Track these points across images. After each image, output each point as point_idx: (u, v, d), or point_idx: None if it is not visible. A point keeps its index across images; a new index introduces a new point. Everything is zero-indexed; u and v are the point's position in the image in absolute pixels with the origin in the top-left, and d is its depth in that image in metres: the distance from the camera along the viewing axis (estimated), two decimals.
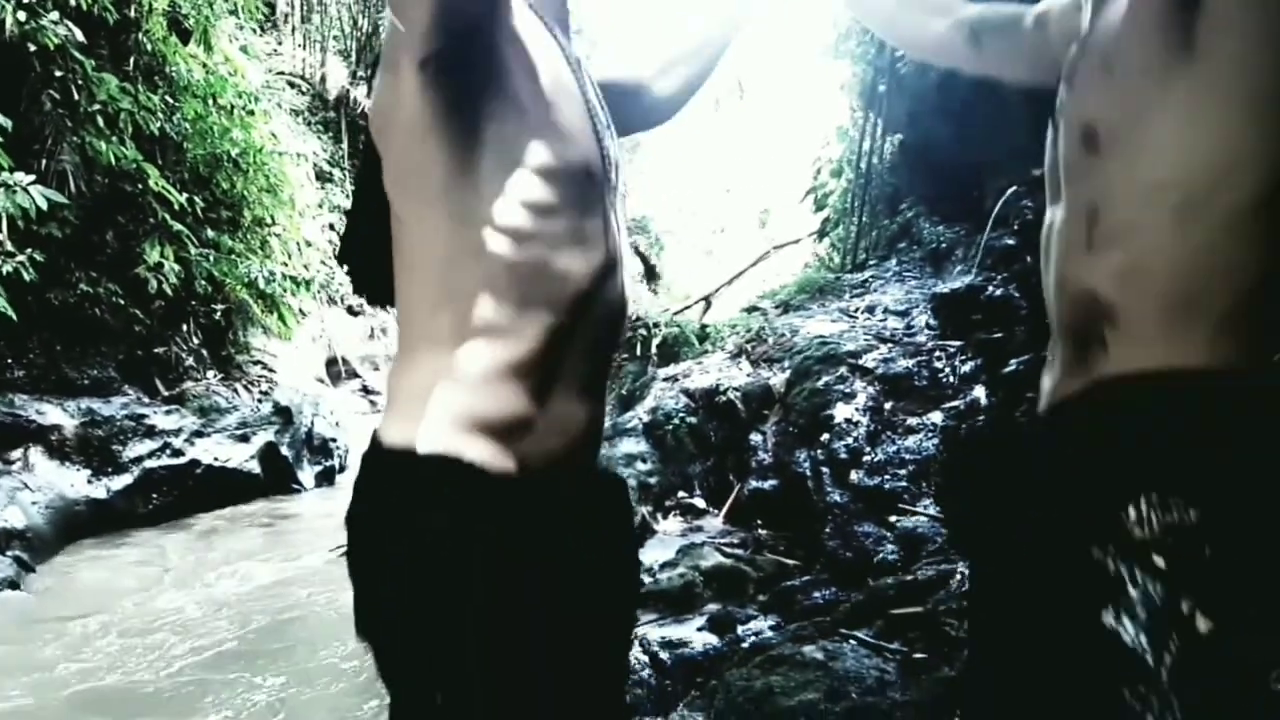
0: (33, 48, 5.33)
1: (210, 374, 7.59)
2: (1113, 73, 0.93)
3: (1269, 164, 0.84)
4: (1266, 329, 0.88)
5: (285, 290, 7.95)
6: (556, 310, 0.91)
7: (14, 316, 5.10)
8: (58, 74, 5.63)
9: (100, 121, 5.94)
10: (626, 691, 1.14)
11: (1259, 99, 0.83)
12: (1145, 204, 0.89)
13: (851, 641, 2.59)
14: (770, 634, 3.12)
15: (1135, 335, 0.89)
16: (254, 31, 9.00)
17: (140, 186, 6.48)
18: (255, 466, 7.07)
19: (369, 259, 0.99)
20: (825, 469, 4.35)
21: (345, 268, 1.06)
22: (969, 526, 1.13)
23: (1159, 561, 0.80)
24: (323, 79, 14.25)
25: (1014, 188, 5.39)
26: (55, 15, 5.35)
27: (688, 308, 9.67)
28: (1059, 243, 1.00)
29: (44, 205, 4.93)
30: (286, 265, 8.36)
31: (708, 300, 10.33)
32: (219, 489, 6.72)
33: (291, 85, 11.91)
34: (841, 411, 4.63)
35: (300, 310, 8.99)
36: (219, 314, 7.86)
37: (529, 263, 0.89)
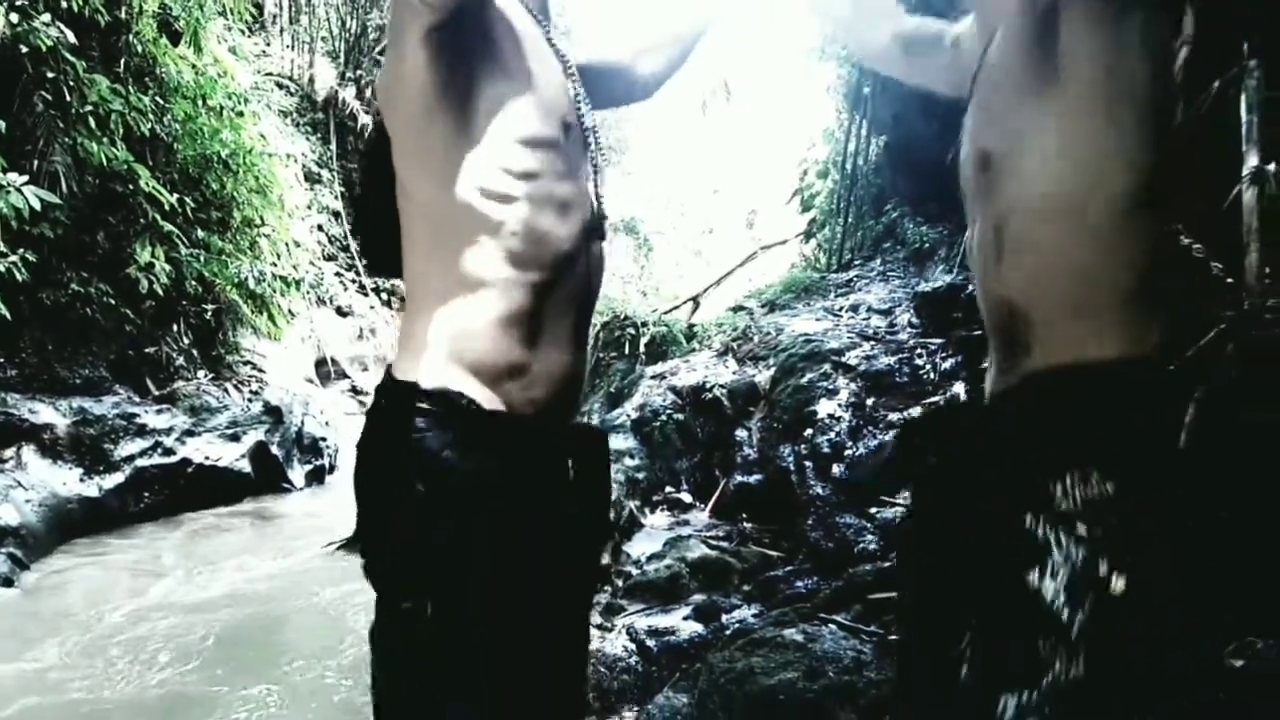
0: (25, 49, 5.36)
1: (201, 374, 7.62)
2: (996, 103, 1.06)
3: (1137, 167, 0.97)
4: (1163, 314, 1.00)
5: (275, 290, 7.98)
6: (540, 267, 1.02)
7: (7, 316, 5.14)
8: (50, 75, 5.65)
9: (91, 122, 5.96)
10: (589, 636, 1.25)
11: (1116, 111, 0.96)
12: (1038, 216, 1.01)
13: (830, 625, 2.68)
14: (754, 621, 3.21)
15: (1052, 333, 1.01)
16: (242, 33, 9.04)
17: (131, 187, 6.50)
18: (246, 465, 7.09)
19: (379, 230, 1.11)
20: (808, 463, 4.45)
21: (358, 239, 1.17)
22: (921, 508, 1.25)
23: (1082, 527, 0.92)
24: (311, 80, 14.26)
25: None
26: (47, 17, 5.38)
27: (676, 308, 9.76)
28: (978, 257, 1.12)
29: (37, 206, 4.94)
30: (276, 266, 8.40)
31: (696, 300, 10.42)
32: (210, 488, 6.74)
33: (280, 86, 11.93)
34: (824, 407, 4.73)
35: (290, 311, 9.03)
36: (209, 314, 7.89)
37: (515, 222, 1.00)
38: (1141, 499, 0.93)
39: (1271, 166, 1.60)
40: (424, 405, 0.97)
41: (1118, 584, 0.89)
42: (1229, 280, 1.65)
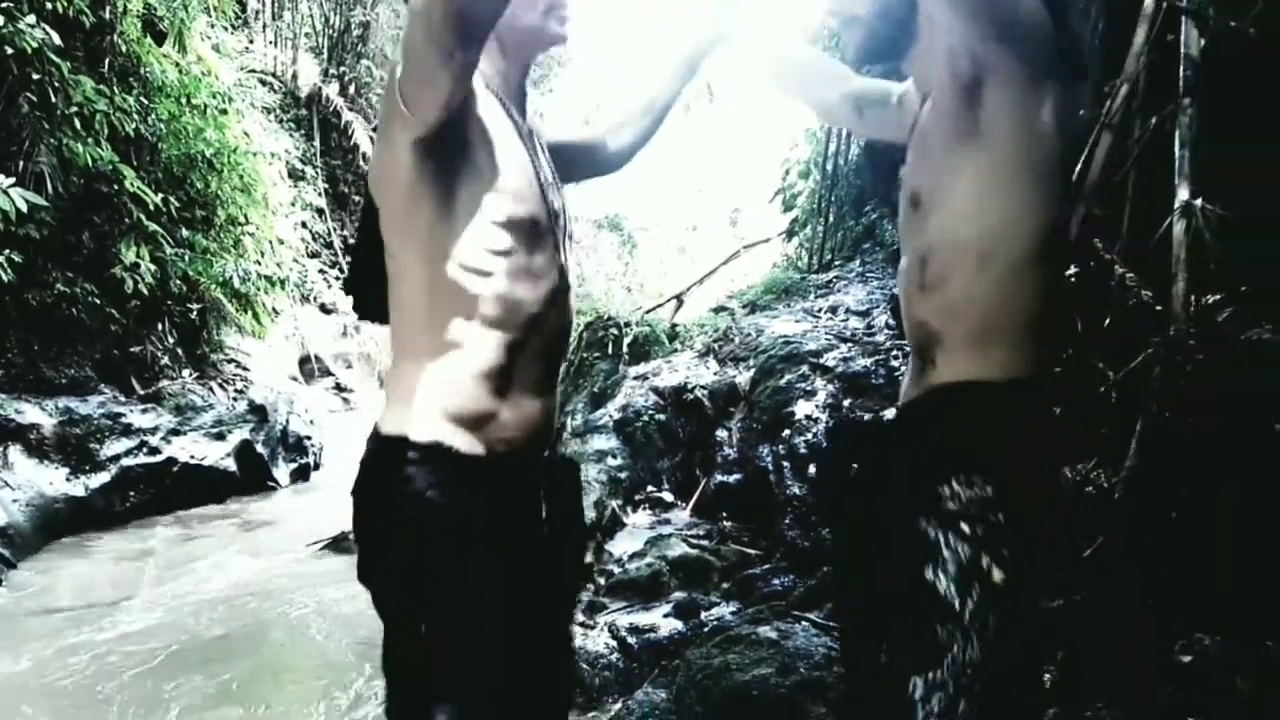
0: (10, 51, 5.37)
1: (186, 373, 7.65)
2: (929, 151, 1.22)
3: (1041, 223, 1.13)
4: (1046, 347, 1.19)
5: (259, 289, 8.02)
6: (513, 329, 1.16)
7: None
8: (35, 77, 5.66)
9: (77, 123, 5.98)
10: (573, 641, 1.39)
11: (1029, 173, 1.12)
12: (955, 255, 1.17)
13: (803, 622, 2.79)
14: (732, 618, 3.31)
15: (954, 354, 1.19)
16: (225, 29, 9.03)
17: (116, 187, 6.52)
18: (231, 464, 7.13)
19: (369, 288, 1.25)
20: (786, 463, 4.56)
21: (350, 296, 1.29)
22: (839, 500, 1.44)
23: (964, 525, 1.09)
24: (294, 76, 14.23)
25: None
26: (32, 19, 5.39)
27: (659, 306, 9.85)
28: (904, 284, 1.29)
29: (23, 207, 4.96)
30: (260, 264, 8.42)
31: (680, 298, 10.51)
32: (195, 487, 6.79)
33: (263, 83, 11.88)
34: (802, 408, 4.84)
35: (274, 309, 9.05)
36: (194, 313, 7.91)
37: (491, 292, 1.14)
38: (1014, 500, 1.09)
39: (1199, 201, 1.72)
40: (411, 455, 1.11)
41: (995, 575, 1.05)
42: (1157, 308, 1.77)
